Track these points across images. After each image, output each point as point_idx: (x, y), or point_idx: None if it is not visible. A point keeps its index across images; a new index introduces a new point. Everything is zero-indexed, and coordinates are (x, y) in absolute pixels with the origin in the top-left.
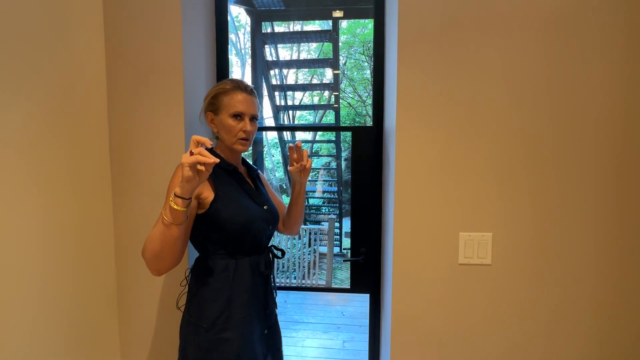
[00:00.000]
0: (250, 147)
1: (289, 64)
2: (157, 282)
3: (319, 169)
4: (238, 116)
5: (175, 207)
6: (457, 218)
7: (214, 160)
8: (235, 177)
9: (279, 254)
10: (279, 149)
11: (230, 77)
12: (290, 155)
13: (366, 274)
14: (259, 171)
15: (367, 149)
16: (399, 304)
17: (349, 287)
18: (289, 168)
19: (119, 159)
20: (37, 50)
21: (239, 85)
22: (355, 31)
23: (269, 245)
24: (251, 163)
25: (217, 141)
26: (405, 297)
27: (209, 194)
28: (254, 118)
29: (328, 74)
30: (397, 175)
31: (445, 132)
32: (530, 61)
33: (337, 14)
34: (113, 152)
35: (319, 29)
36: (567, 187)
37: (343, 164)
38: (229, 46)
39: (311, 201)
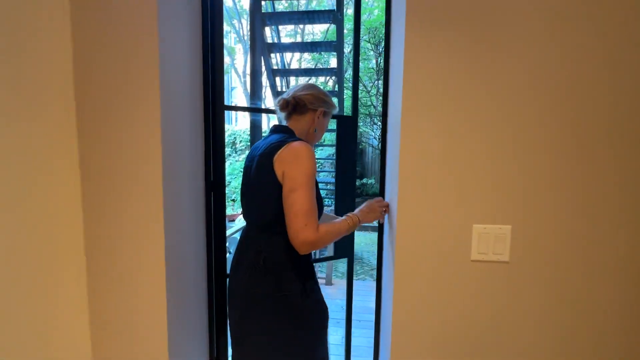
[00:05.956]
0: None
1: (291, 46)
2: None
3: (323, 159)
4: None
5: (353, 227)
6: (471, 208)
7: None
8: None
9: None
10: None
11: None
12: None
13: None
14: None
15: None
16: (401, 306)
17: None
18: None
19: (89, 160)
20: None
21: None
22: (361, 18)
23: None
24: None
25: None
26: (408, 297)
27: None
28: None
29: (332, 63)
30: (401, 160)
31: (460, 117)
32: (551, 44)
33: None
34: (82, 151)
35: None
36: (593, 177)
37: None
38: (230, 33)
39: None
